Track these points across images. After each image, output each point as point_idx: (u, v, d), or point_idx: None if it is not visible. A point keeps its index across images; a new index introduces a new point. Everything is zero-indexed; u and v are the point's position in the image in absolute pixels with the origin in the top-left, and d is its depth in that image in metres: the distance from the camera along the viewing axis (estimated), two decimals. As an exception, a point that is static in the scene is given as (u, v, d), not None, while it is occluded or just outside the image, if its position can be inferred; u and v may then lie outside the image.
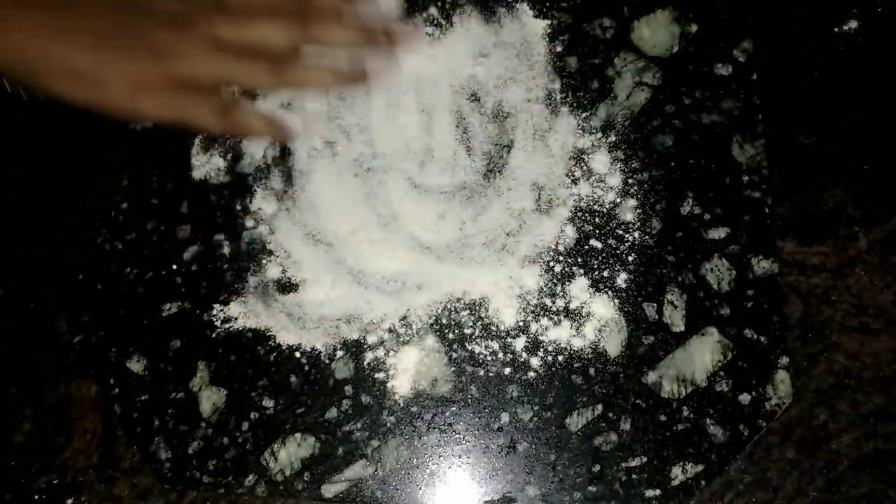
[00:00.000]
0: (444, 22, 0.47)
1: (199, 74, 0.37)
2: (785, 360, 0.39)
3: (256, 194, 0.44)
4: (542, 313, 0.40)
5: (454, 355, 0.40)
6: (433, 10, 0.47)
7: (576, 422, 0.39)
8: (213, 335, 0.41)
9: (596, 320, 0.40)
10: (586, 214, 0.42)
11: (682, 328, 0.40)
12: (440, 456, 0.38)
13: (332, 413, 0.39)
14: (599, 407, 0.39)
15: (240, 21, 0.38)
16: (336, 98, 0.45)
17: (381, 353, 0.40)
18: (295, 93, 0.45)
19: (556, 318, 0.40)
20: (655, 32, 0.46)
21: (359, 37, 0.40)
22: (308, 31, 0.39)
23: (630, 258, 0.41)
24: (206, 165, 0.45)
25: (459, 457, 0.38)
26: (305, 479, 0.38)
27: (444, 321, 0.40)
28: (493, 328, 0.40)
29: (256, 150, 0.45)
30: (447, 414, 0.39)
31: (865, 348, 0.40)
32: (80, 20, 0.36)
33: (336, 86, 0.42)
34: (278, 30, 0.38)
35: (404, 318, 0.41)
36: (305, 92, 0.45)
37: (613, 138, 0.43)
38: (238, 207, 0.44)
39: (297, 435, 0.39)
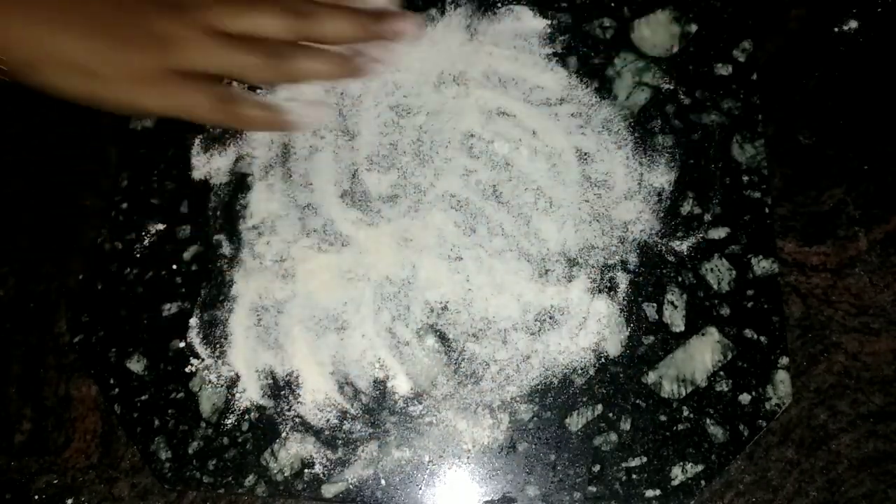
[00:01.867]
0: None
1: (196, 65, 0.37)
2: (785, 360, 0.39)
3: (257, 194, 0.44)
4: (542, 313, 0.40)
5: (454, 355, 0.40)
6: (432, 11, 0.47)
7: (576, 422, 0.39)
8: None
9: (596, 320, 0.40)
10: (587, 214, 0.42)
11: (682, 328, 0.40)
12: (440, 456, 0.38)
13: (333, 413, 0.39)
14: (599, 407, 0.39)
15: (238, 10, 0.37)
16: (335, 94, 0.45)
17: (380, 352, 0.40)
18: (293, 86, 0.44)
19: (556, 318, 0.40)
20: (655, 32, 0.46)
21: (357, 28, 0.40)
22: (306, 21, 0.38)
23: (630, 258, 0.41)
24: (206, 165, 0.45)
25: (459, 457, 0.38)
26: (305, 479, 0.38)
27: (444, 321, 0.40)
28: (494, 327, 0.40)
29: (257, 151, 0.45)
30: (447, 414, 0.39)
31: (865, 348, 0.40)
32: (77, 10, 0.35)
33: (333, 77, 0.42)
34: (276, 19, 0.38)
35: (404, 317, 0.41)
36: (303, 84, 0.44)
37: (614, 138, 0.43)
38: (238, 207, 0.44)
39: (297, 435, 0.39)
